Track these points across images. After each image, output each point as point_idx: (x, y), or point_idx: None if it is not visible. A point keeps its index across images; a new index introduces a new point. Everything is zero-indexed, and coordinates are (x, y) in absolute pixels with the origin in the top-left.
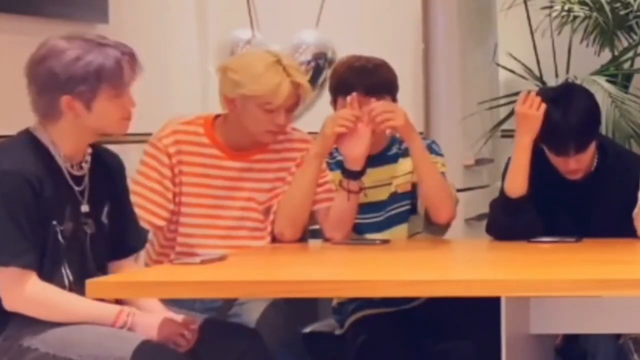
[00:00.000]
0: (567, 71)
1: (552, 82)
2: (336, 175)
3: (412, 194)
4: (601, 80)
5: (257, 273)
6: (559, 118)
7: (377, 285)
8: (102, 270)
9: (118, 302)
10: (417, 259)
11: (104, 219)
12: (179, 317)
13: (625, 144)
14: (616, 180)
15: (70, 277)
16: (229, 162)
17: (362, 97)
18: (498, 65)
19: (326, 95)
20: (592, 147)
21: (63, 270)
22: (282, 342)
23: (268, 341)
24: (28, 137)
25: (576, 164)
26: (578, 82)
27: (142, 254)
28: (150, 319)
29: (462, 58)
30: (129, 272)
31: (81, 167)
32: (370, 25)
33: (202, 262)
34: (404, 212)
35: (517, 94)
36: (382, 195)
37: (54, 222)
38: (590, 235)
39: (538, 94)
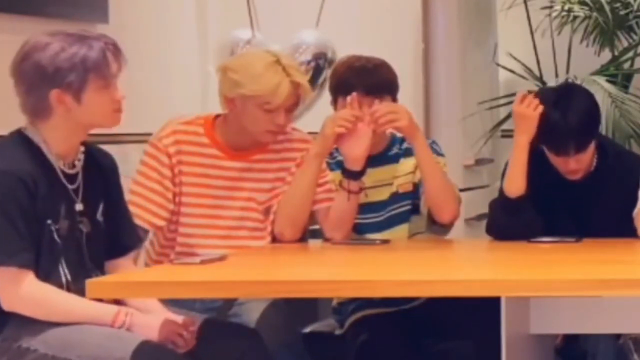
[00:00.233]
0: (567, 71)
1: (552, 82)
2: (336, 175)
3: (413, 194)
4: (601, 80)
5: (257, 273)
6: (559, 118)
7: (377, 285)
8: (100, 268)
9: (117, 302)
10: (417, 259)
11: (99, 217)
12: (178, 318)
13: (625, 144)
14: (616, 180)
15: (68, 276)
16: (228, 162)
17: (362, 97)
18: (498, 65)
19: (326, 95)
20: (592, 147)
21: (60, 269)
22: (282, 342)
23: (268, 341)
24: (19, 137)
25: (576, 164)
26: (578, 82)
27: (142, 254)
28: (149, 320)
29: (462, 58)
30: (126, 271)
31: (74, 166)
32: (370, 25)
33: (202, 262)
34: (404, 212)
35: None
36: (382, 195)
37: (49, 221)
38: (590, 235)
39: (537, 94)
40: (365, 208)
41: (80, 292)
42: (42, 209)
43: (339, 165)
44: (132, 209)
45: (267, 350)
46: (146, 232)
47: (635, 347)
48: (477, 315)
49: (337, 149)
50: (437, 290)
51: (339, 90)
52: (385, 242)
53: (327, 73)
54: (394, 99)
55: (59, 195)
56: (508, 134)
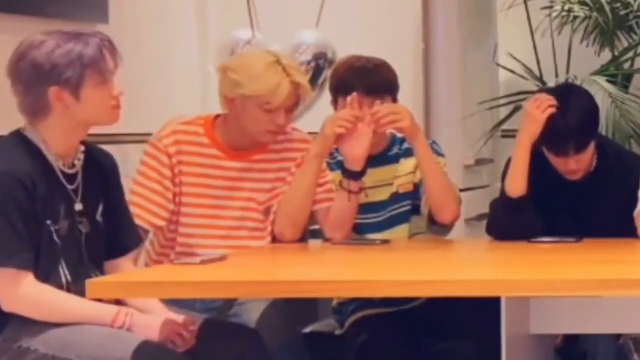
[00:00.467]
0: (567, 71)
1: (552, 82)
2: (336, 175)
3: (413, 194)
4: (601, 80)
5: (257, 273)
6: (558, 119)
7: (377, 285)
8: (99, 268)
9: (117, 302)
10: (417, 259)
11: (99, 217)
12: (179, 317)
13: (625, 144)
14: (616, 180)
15: (68, 277)
16: (228, 162)
17: (362, 97)
18: (498, 65)
19: (326, 95)
20: (592, 147)
21: (60, 270)
22: (282, 342)
23: (268, 341)
24: (18, 137)
25: (576, 164)
26: (578, 82)
27: (142, 254)
28: (150, 320)
29: (462, 58)
30: (126, 271)
31: (73, 165)
32: (370, 25)
33: (202, 262)
34: (405, 212)
35: (517, 94)
36: (383, 195)
37: (49, 222)
38: (590, 235)
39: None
40: (365, 208)
41: (80, 292)
42: (41, 210)
43: (339, 165)
44: (132, 209)
45: (267, 350)
46: (146, 232)
47: (635, 347)
48: (477, 315)
49: (337, 149)
50: (437, 290)
51: (339, 90)
52: (385, 242)
53: (327, 73)
54: (394, 99)
55: (59, 195)
56: (508, 134)
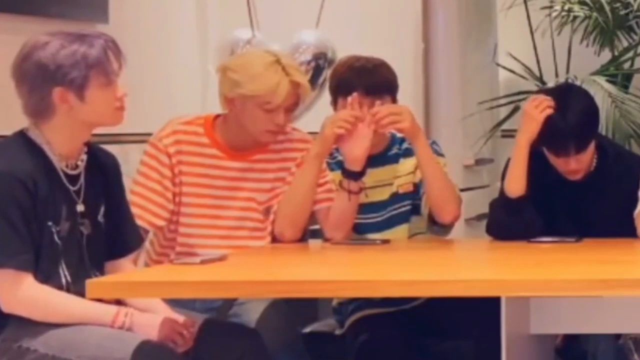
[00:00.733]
0: (567, 71)
1: (552, 82)
2: (336, 175)
3: (413, 195)
4: (601, 80)
5: (257, 273)
6: (558, 119)
7: (377, 285)
8: (100, 270)
9: (118, 302)
10: (417, 259)
11: (101, 218)
12: (179, 317)
13: (625, 144)
14: (616, 180)
15: (68, 278)
16: (229, 162)
17: (362, 98)
18: (498, 65)
19: (326, 95)
20: (592, 147)
21: (60, 271)
22: (282, 342)
23: (268, 341)
24: (21, 138)
25: (576, 164)
26: (578, 82)
27: (142, 254)
28: (150, 319)
29: (462, 58)
30: (127, 272)
31: (76, 166)
32: (370, 25)
33: (202, 262)
34: (405, 212)
35: (517, 94)
36: (383, 195)
37: (50, 223)
38: (590, 235)
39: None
40: (365, 208)
41: (80, 293)
42: (42, 211)
43: (339, 165)
44: (132, 209)
45: (267, 350)
46: (146, 232)
47: (635, 347)
48: (477, 315)
49: (337, 149)
50: (437, 290)
51: (339, 90)
52: (385, 242)
53: (327, 73)
54: (394, 99)
55: (60, 196)
56: (508, 134)
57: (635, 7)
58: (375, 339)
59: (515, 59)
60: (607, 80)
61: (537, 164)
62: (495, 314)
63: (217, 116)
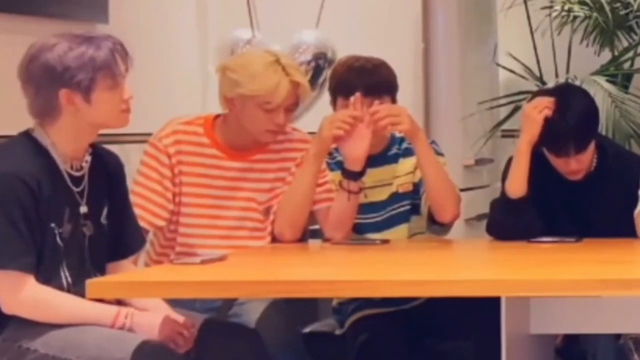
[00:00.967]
0: (567, 71)
1: (552, 82)
2: (336, 175)
3: (413, 194)
4: (601, 80)
5: (257, 273)
6: (558, 120)
7: (377, 285)
8: (101, 271)
9: (119, 302)
10: (417, 259)
11: (103, 220)
12: (179, 317)
13: (625, 144)
14: (616, 180)
15: (69, 279)
16: (229, 162)
17: (361, 98)
18: (498, 65)
19: (326, 95)
20: (592, 147)
21: (62, 273)
22: (282, 342)
23: (268, 341)
24: (26, 139)
25: (577, 165)
26: (578, 82)
27: (142, 254)
28: (151, 319)
29: (462, 58)
30: (128, 272)
31: (81, 168)
32: (370, 25)
33: (202, 262)
34: (404, 212)
35: (517, 94)
36: (382, 195)
37: (53, 224)
38: (590, 235)
39: (535, 96)
40: (365, 208)
41: (81, 294)
42: (45, 212)
43: (339, 165)
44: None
45: (267, 350)
46: (146, 232)
47: (635, 347)
48: (477, 315)
49: (337, 149)
50: (437, 290)
51: (339, 90)
52: (385, 242)
53: (327, 73)
54: (394, 99)
55: (64, 198)
56: (508, 134)
57: (635, 7)
58: (375, 339)
59: (515, 59)
60: (607, 80)
61: (537, 164)
62: (495, 314)
63: (217, 116)
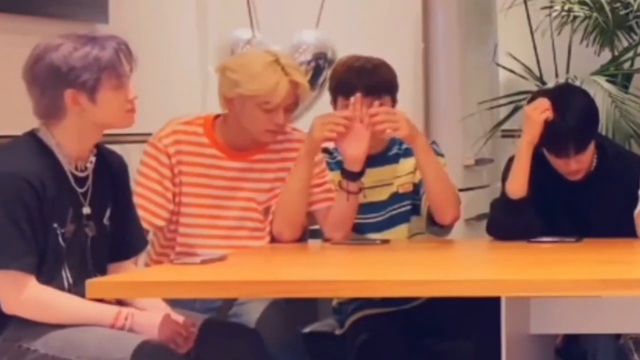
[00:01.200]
0: (567, 71)
1: (552, 82)
2: (336, 175)
3: (413, 195)
4: (601, 80)
5: (257, 273)
6: (557, 120)
7: (377, 285)
8: (102, 272)
9: (119, 302)
10: (417, 259)
11: (106, 221)
12: (179, 317)
13: (625, 144)
14: (616, 180)
15: (70, 280)
16: (229, 162)
17: (362, 98)
18: (498, 65)
19: (326, 95)
20: (592, 147)
21: (63, 273)
22: (282, 342)
23: (268, 341)
24: (32, 139)
25: (577, 165)
26: (578, 82)
27: (142, 254)
28: (151, 319)
29: (462, 58)
30: (128, 272)
31: (85, 168)
32: (370, 25)
33: (202, 262)
34: (404, 212)
35: (517, 94)
36: (383, 195)
37: (55, 225)
38: (590, 235)
39: (535, 96)
40: (365, 208)
41: (81, 295)
42: (48, 212)
43: (339, 165)
44: None
45: (267, 350)
46: (146, 232)
47: (636, 347)
48: (477, 315)
49: (337, 149)
50: (437, 290)
51: (339, 90)
52: (385, 242)
53: (327, 73)
54: (394, 99)
55: (67, 198)
56: (508, 134)
57: (635, 7)
58: (375, 339)
59: (515, 59)
60: (607, 80)
61: (537, 164)
62: (495, 314)
63: (217, 116)
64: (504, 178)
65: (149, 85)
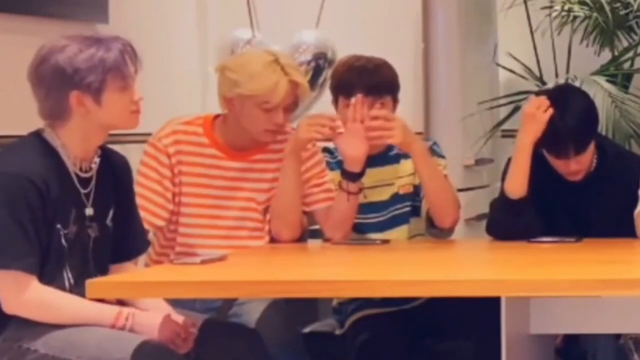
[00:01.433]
0: (567, 71)
1: (552, 82)
2: (336, 175)
3: (413, 196)
4: (601, 80)
5: (257, 273)
6: (557, 121)
7: (377, 285)
8: (104, 273)
9: (120, 302)
10: (417, 259)
11: (109, 222)
12: (179, 318)
13: (625, 144)
14: (616, 180)
15: (71, 280)
16: (228, 162)
17: (363, 97)
18: (498, 65)
19: (326, 96)
20: (592, 147)
21: (64, 274)
22: (282, 342)
23: (268, 341)
24: (37, 139)
25: (577, 165)
26: (578, 82)
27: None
28: (152, 319)
29: (462, 58)
30: (129, 272)
31: (89, 169)
32: (370, 25)
33: (202, 262)
34: (405, 213)
35: (517, 94)
36: (383, 195)
37: (59, 226)
38: (590, 235)
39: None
40: (366, 208)
41: (82, 296)
42: (52, 213)
43: (340, 165)
44: None
45: (267, 350)
46: (147, 232)
47: (636, 347)
48: (477, 315)
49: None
50: (437, 290)
51: (340, 90)
52: (385, 242)
53: (327, 73)
54: (395, 99)
55: (71, 199)
56: (508, 134)
57: (635, 7)
58: (375, 339)
59: (515, 59)
60: (607, 80)
61: (536, 164)
62: (495, 314)
63: (217, 116)
64: (504, 178)
65: (149, 85)
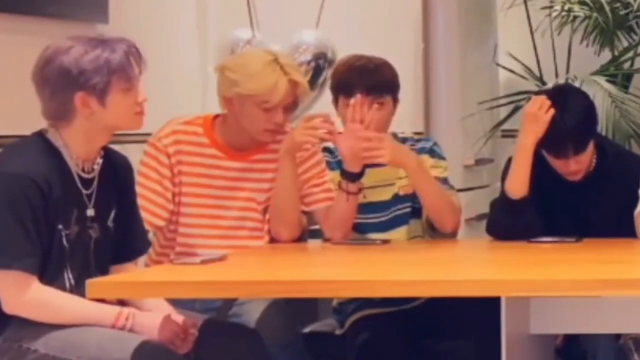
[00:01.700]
0: (567, 71)
1: (552, 82)
2: (337, 174)
3: (413, 197)
4: (601, 80)
5: (257, 273)
6: (556, 121)
7: (377, 285)
8: (104, 274)
9: (120, 302)
10: (417, 259)
11: (110, 223)
12: (179, 318)
13: (625, 144)
14: (616, 180)
15: (72, 281)
16: (228, 162)
17: (363, 97)
18: (498, 65)
19: (326, 96)
20: (591, 147)
21: (65, 274)
22: (282, 342)
23: (268, 341)
24: (40, 139)
25: (576, 165)
26: (578, 82)
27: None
28: (152, 319)
29: (462, 58)
30: (129, 272)
31: (92, 170)
32: (370, 25)
33: (202, 262)
34: (405, 214)
35: (517, 94)
36: (384, 195)
37: (60, 226)
38: (590, 235)
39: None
40: (368, 208)
41: (82, 296)
42: (54, 213)
43: (340, 165)
44: None
45: (267, 350)
46: (147, 232)
47: (636, 347)
48: (477, 315)
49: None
50: (437, 290)
51: (340, 90)
52: (385, 242)
53: (327, 73)
54: (395, 99)
55: (73, 200)
56: (508, 134)
57: (635, 7)
58: (375, 339)
59: (515, 59)
60: (607, 80)
61: (536, 164)
62: (495, 314)
63: (217, 116)
64: (504, 178)
65: (149, 85)
